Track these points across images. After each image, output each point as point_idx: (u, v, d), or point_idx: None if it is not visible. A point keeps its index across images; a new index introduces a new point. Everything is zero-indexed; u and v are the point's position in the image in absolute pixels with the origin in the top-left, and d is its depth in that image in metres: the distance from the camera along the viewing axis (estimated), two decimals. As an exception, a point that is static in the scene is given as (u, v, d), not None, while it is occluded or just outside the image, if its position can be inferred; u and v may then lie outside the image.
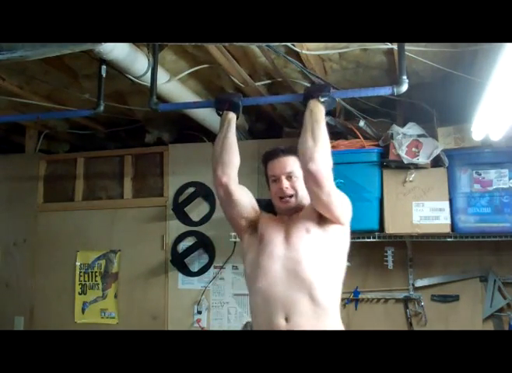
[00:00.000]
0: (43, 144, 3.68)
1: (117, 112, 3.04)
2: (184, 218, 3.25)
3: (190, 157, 3.27)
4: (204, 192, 3.20)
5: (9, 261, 3.50)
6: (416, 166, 2.54)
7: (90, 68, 2.44)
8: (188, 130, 3.34)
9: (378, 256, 2.85)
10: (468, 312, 2.75)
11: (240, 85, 2.59)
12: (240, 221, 1.89)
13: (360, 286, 2.89)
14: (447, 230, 2.51)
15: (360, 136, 2.65)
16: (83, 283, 3.38)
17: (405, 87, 1.97)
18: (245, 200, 1.87)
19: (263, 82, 2.66)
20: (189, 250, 3.20)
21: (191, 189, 3.25)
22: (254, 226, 1.88)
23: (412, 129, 2.58)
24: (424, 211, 2.52)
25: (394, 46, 2.11)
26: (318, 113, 1.77)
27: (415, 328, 2.80)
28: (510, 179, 2.46)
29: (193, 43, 2.17)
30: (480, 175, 2.50)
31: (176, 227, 3.25)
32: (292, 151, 1.85)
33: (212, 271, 3.16)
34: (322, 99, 1.80)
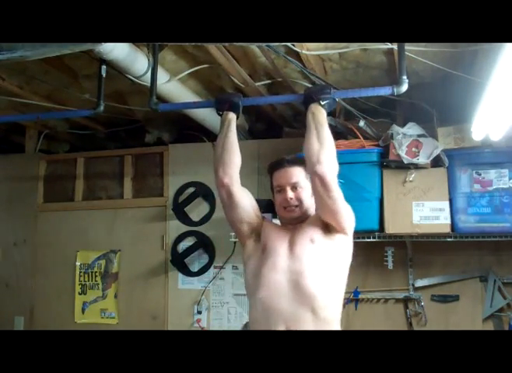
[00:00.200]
0: (43, 144, 3.68)
1: (117, 112, 3.04)
2: (184, 218, 3.25)
3: (190, 157, 3.27)
4: (204, 192, 3.20)
5: (9, 261, 3.50)
6: (416, 166, 2.54)
7: (90, 68, 2.44)
8: (188, 130, 3.34)
9: (378, 256, 2.85)
10: (468, 312, 2.75)
11: (240, 85, 2.59)
12: (242, 226, 1.85)
13: (360, 286, 2.89)
14: (447, 230, 2.51)
15: (360, 136, 2.65)
16: (83, 283, 3.38)
17: (404, 87, 1.97)
18: (246, 202, 1.85)
19: (263, 82, 2.66)
20: (189, 250, 3.20)
21: (191, 189, 3.25)
22: (256, 233, 1.85)
23: (412, 129, 2.58)
24: (424, 211, 2.52)
25: (394, 46, 2.11)
26: (320, 116, 1.77)
27: (415, 328, 2.80)
28: (510, 179, 2.46)
29: (193, 43, 2.17)
30: (480, 175, 2.50)
31: (176, 227, 3.25)
32: (298, 161, 1.85)
33: (212, 271, 3.16)
34: (323, 103, 1.80)
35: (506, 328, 2.66)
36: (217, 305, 3.12)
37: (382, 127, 2.72)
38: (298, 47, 2.17)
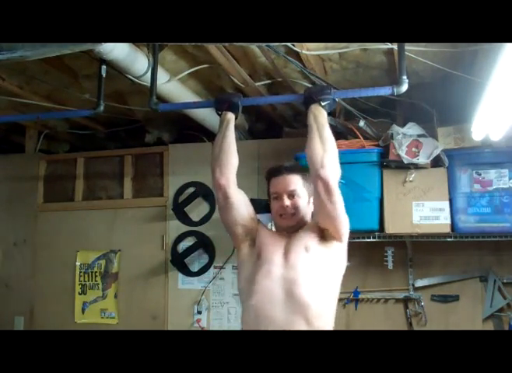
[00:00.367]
0: (43, 144, 3.68)
1: (117, 112, 3.04)
2: (184, 218, 3.25)
3: (190, 157, 3.27)
4: (204, 192, 3.20)
5: (9, 261, 3.50)
6: (416, 166, 2.54)
7: (90, 68, 2.44)
8: (188, 130, 3.34)
9: (378, 256, 2.85)
10: (468, 312, 2.75)
11: (240, 85, 2.59)
12: (236, 229, 1.83)
13: (360, 286, 2.89)
14: (447, 230, 2.51)
15: (360, 136, 2.65)
16: (83, 283, 3.38)
17: (404, 87, 1.97)
18: (242, 205, 1.83)
19: (263, 82, 2.66)
20: (189, 250, 3.20)
21: (191, 189, 3.25)
22: (251, 238, 1.84)
23: (412, 129, 2.58)
24: (424, 211, 2.52)
25: (394, 46, 2.11)
26: (322, 117, 1.77)
27: (415, 328, 2.80)
28: (510, 179, 2.46)
29: (193, 43, 2.17)
30: (480, 175, 2.50)
31: (176, 227, 3.25)
32: (297, 169, 1.85)
33: (212, 271, 3.16)
34: (323, 104, 1.80)
35: (506, 328, 2.66)
36: (217, 305, 3.12)
37: (382, 127, 2.72)
38: (298, 47, 2.17)
